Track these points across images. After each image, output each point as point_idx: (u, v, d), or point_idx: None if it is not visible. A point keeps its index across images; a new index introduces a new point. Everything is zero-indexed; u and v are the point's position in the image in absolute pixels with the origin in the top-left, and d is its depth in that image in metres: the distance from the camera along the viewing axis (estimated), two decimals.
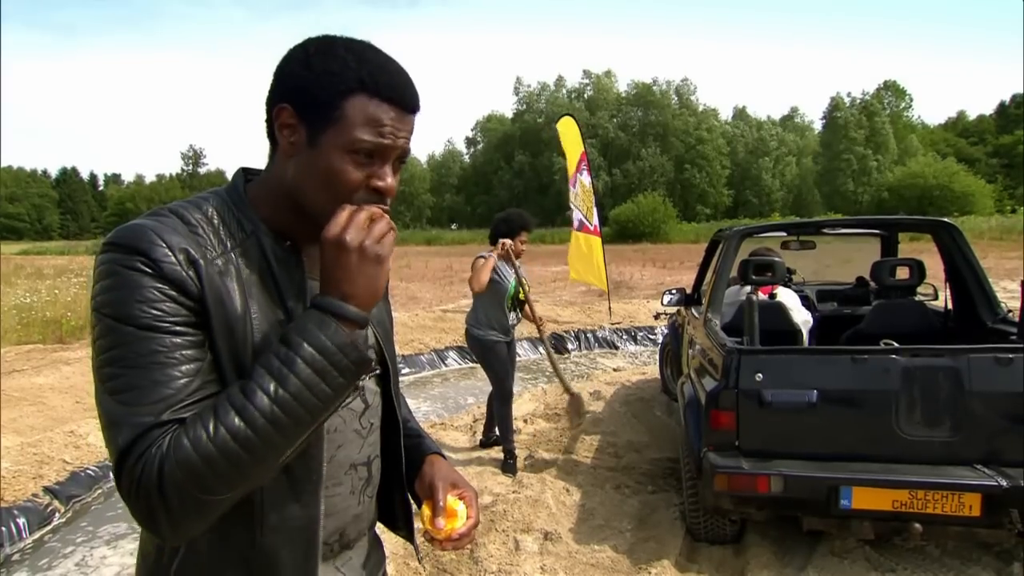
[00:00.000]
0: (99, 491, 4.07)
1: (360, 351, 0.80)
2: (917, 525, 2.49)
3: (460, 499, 1.03)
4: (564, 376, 4.64)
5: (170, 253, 0.79)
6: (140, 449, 0.73)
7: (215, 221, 0.87)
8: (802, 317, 3.74)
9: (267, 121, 0.88)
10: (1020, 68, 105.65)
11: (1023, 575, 2.75)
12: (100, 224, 78.42)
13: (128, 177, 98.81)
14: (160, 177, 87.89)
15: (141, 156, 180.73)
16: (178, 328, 0.78)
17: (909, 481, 2.49)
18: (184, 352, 0.77)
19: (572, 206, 9.57)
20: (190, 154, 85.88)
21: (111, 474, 0.76)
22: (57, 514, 3.68)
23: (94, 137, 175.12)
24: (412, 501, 1.10)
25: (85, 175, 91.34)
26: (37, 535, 3.51)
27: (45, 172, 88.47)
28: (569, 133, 9.56)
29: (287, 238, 0.91)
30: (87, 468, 4.15)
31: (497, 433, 4.49)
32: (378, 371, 1.02)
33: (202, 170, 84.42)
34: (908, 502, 2.48)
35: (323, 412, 0.79)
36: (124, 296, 0.77)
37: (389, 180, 0.88)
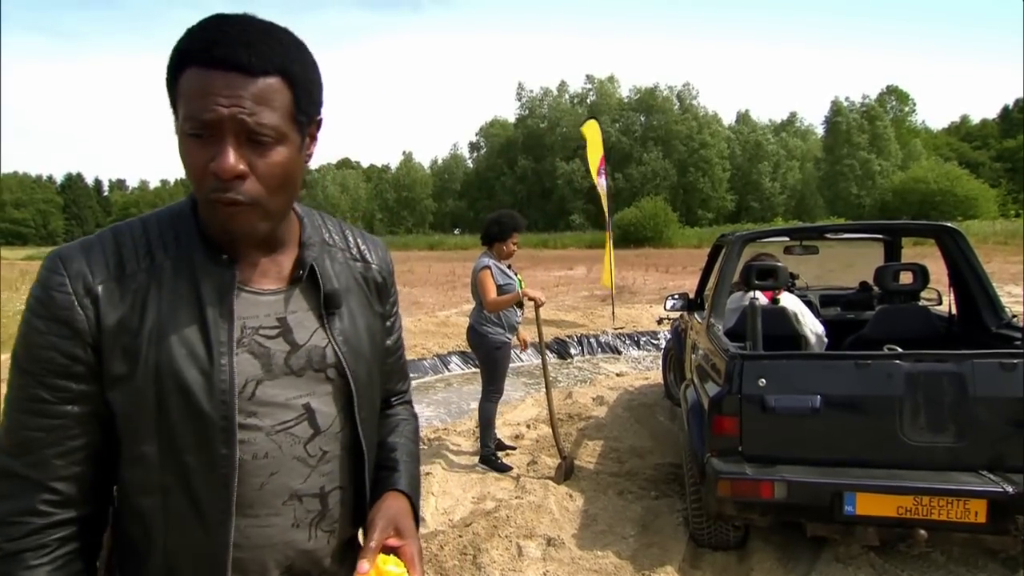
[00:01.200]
0: None
1: None
2: (922, 531, 2.48)
3: (399, 555, 0.89)
4: (557, 426, 4.20)
5: (67, 282, 0.79)
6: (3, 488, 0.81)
7: (153, 233, 0.84)
8: (816, 330, 3.72)
9: None
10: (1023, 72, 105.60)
11: None
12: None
13: (133, 183, 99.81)
14: (164, 183, 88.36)
15: (146, 161, 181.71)
16: (49, 379, 0.80)
17: (914, 487, 2.48)
18: (48, 406, 0.80)
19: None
20: None
21: None
22: None
23: (99, 142, 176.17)
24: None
25: (90, 181, 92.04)
26: None
27: (50, 178, 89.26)
28: (594, 136, 9.79)
29: (225, 248, 0.84)
30: None
31: (499, 437, 4.49)
32: (330, 391, 0.90)
33: None
34: (913, 508, 2.47)
35: None
36: (21, 333, 0.81)
37: (228, 161, 0.74)
